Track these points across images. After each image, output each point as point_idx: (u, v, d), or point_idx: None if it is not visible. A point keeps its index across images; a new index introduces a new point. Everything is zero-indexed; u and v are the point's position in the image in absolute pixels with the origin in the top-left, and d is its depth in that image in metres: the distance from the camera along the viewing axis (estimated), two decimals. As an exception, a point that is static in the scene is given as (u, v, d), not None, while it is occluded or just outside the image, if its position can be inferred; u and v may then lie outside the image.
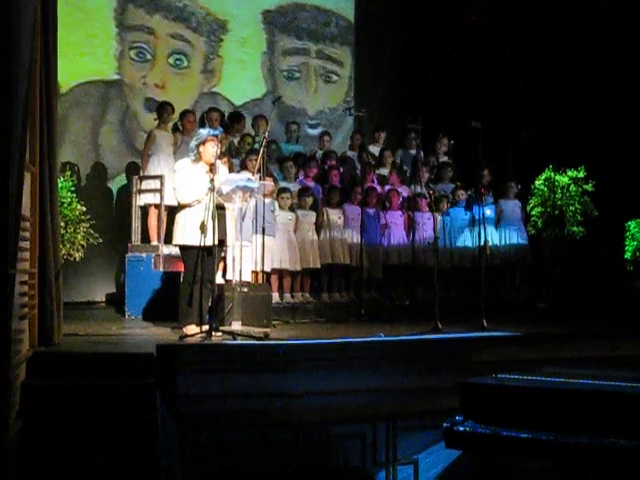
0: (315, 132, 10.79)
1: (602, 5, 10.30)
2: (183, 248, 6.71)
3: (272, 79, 11.49)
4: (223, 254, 7.31)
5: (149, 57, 10.46)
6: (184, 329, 6.54)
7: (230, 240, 6.99)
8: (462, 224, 9.92)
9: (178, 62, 10.70)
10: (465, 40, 11.38)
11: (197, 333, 6.35)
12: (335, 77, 12.08)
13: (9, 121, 4.22)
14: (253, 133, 9.58)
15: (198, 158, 6.66)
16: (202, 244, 6.30)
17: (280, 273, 8.66)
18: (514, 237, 10.11)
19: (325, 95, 11.65)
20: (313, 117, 10.94)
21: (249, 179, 7.04)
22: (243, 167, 8.49)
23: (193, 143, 6.72)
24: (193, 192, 6.57)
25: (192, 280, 6.58)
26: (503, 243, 10.07)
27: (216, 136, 6.62)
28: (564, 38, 10.51)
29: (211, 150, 6.57)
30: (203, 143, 6.61)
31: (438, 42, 11.68)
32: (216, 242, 6.38)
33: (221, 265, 7.65)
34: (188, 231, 6.54)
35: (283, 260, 8.57)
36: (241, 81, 11.18)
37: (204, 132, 6.73)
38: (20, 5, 4.40)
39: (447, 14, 11.65)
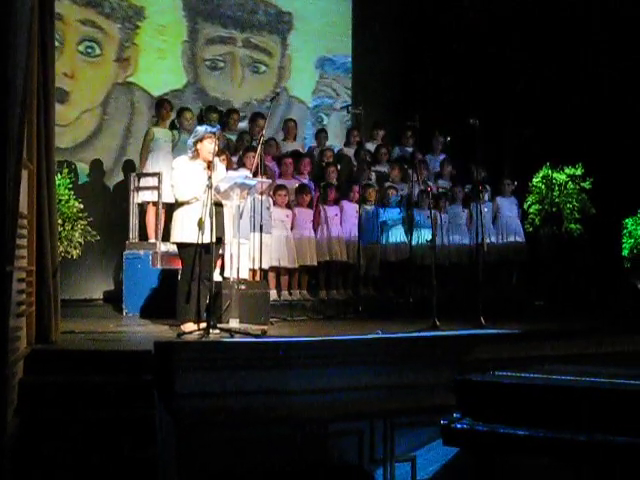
0: (242, 125, 10.06)
1: (602, 5, 10.29)
2: (181, 245, 6.71)
3: (193, 69, 10.94)
4: (221, 251, 7.31)
5: (56, 44, 9.91)
6: (182, 326, 6.54)
7: (228, 237, 6.99)
8: (458, 221, 9.93)
9: (89, 50, 10.09)
10: (465, 39, 11.37)
11: (195, 330, 6.34)
12: (263, 67, 11.53)
13: (6, 117, 4.20)
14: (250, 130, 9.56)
15: (196, 155, 6.67)
16: (200, 241, 6.30)
17: (278, 270, 8.67)
18: (511, 234, 10.13)
19: (252, 86, 11.01)
20: (239, 109, 10.28)
21: (247, 176, 7.04)
22: (241, 164, 8.50)
23: (191, 140, 6.72)
24: (191, 189, 6.57)
25: (190, 277, 6.57)
26: (500, 240, 10.09)
27: (214, 133, 6.62)
28: (564, 38, 10.51)
29: (209, 147, 6.57)
30: (201, 140, 6.62)
31: (437, 40, 11.67)
32: (214, 239, 6.37)
33: (219, 262, 7.64)
34: (186, 228, 6.54)
35: (281, 258, 8.58)
36: (159, 71, 10.58)
37: (202, 129, 6.73)
38: (17, 2, 4.39)
39: (446, 12, 11.64)
